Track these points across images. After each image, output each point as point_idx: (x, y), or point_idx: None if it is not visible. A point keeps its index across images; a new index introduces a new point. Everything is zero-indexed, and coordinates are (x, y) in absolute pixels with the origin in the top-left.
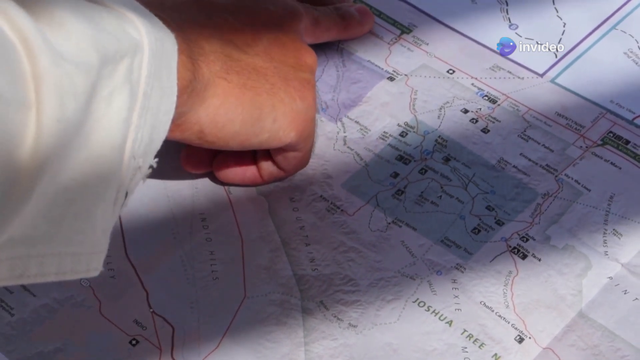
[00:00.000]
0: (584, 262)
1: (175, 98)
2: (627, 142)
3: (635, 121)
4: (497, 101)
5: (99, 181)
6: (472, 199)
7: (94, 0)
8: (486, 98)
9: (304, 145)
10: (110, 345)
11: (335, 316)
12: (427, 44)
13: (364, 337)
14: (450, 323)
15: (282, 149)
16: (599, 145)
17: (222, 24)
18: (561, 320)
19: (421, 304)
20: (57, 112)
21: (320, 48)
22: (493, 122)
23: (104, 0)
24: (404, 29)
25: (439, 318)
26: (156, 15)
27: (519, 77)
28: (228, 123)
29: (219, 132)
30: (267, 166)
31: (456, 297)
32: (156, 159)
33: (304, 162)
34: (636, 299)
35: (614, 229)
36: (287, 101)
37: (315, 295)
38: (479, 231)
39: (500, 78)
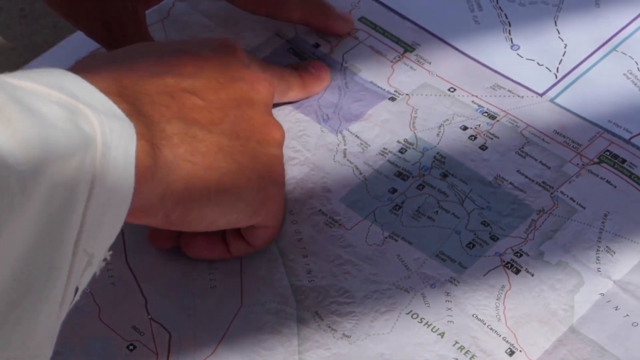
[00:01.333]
0: (576, 279)
1: (131, 190)
2: (624, 160)
3: (632, 141)
4: (496, 117)
5: (43, 283)
6: (468, 215)
7: (49, 87)
8: (486, 114)
9: (273, 222)
10: (108, 349)
11: (329, 326)
12: (430, 63)
13: (357, 347)
14: (442, 335)
15: (251, 226)
16: (595, 163)
17: (187, 103)
18: (552, 335)
19: (414, 316)
20: None
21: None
22: (491, 139)
23: (57, 91)
24: (407, 48)
25: (432, 330)
26: (116, 101)
27: (518, 96)
28: (194, 207)
29: (186, 216)
30: (235, 242)
31: (449, 309)
32: (110, 252)
33: (274, 237)
34: (627, 315)
35: (607, 247)
36: (254, 180)
37: (310, 306)
38: (474, 246)
39: (500, 96)
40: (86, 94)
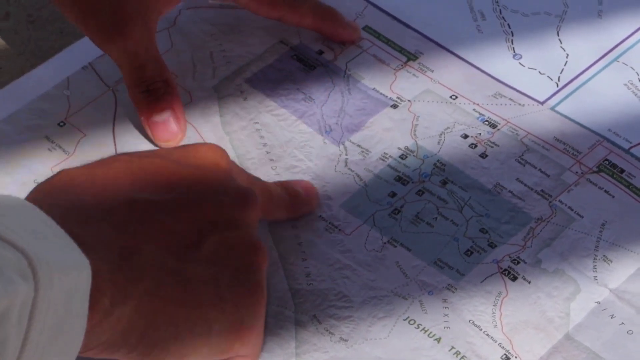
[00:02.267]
0: (573, 286)
1: (82, 331)
2: (622, 170)
3: (632, 150)
4: (497, 126)
5: None
6: (467, 222)
7: None
8: (486, 123)
9: (252, 351)
10: None
11: (327, 330)
12: (432, 71)
13: (354, 351)
14: (438, 340)
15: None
16: (594, 172)
17: (157, 229)
18: (548, 342)
19: (411, 322)
20: None
21: (328, 74)
22: (492, 147)
23: (11, 237)
24: (410, 56)
25: (428, 335)
26: (75, 233)
27: (519, 104)
28: (161, 342)
29: (151, 351)
30: None
31: (446, 315)
32: None
33: None
34: (622, 323)
35: (604, 255)
36: (230, 311)
37: (309, 309)
38: (472, 253)
39: (501, 105)
40: (38, 233)
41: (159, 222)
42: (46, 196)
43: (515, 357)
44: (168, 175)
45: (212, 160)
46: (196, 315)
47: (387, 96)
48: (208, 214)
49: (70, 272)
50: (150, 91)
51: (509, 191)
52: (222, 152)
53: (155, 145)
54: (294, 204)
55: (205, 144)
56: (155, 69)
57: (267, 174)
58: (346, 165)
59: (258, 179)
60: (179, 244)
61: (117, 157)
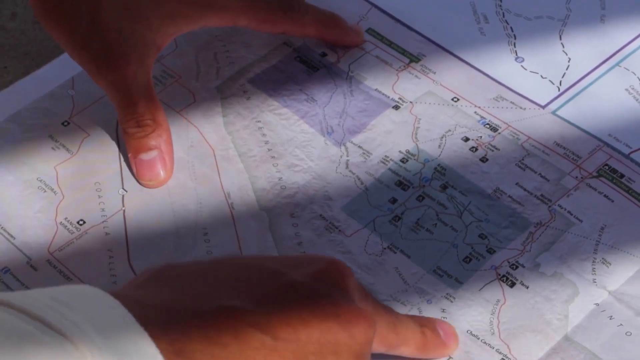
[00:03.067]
0: (571, 289)
1: None
2: (622, 175)
3: (632, 156)
4: (498, 129)
5: None
6: (466, 227)
7: (63, 334)
8: (487, 126)
9: None
10: None
11: None
12: (435, 73)
13: None
14: None
15: None
16: (594, 176)
17: (253, 343)
18: (546, 344)
19: None
20: None
21: (330, 76)
22: (492, 151)
23: (75, 339)
24: (413, 58)
25: None
26: (150, 331)
27: (521, 108)
28: None
29: None
30: None
31: None
32: None
33: None
34: (621, 324)
35: (603, 258)
36: None
37: None
38: (470, 260)
39: (503, 108)
40: (111, 339)
41: (253, 334)
42: (147, 286)
43: None
44: (271, 279)
45: (333, 271)
46: None
47: (389, 97)
48: (309, 334)
49: None
50: (140, 128)
51: (509, 196)
52: (345, 268)
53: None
54: (427, 343)
55: (328, 258)
56: (147, 106)
57: (269, 171)
58: (347, 167)
59: (388, 308)
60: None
61: (221, 260)
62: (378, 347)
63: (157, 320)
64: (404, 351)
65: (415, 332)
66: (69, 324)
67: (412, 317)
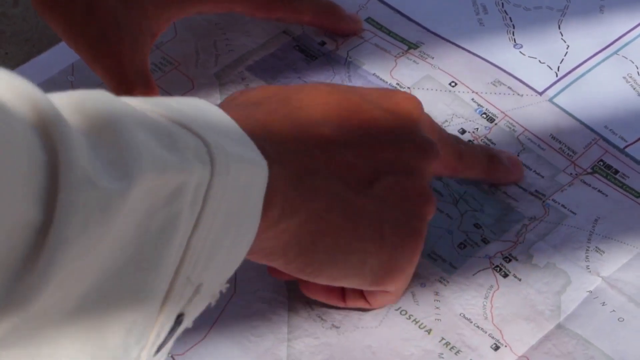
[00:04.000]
0: (563, 279)
1: (253, 233)
2: (616, 171)
3: (627, 150)
4: (494, 120)
5: (131, 302)
6: (461, 216)
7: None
8: (484, 116)
9: (397, 290)
10: None
11: (319, 316)
12: (433, 58)
13: (345, 338)
14: (429, 331)
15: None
16: (588, 173)
17: (338, 159)
18: (539, 331)
19: (403, 313)
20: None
21: (329, 63)
22: (488, 145)
23: (193, 127)
24: (412, 45)
25: (419, 326)
26: (256, 139)
27: (518, 94)
28: (316, 262)
29: (306, 267)
30: (353, 295)
31: (437, 308)
32: (227, 285)
33: (393, 301)
34: (613, 310)
35: (596, 247)
36: (388, 251)
37: (302, 296)
38: (465, 246)
39: (500, 94)
40: (221, 133)
41: (340, 153)
42: (238, 104)
43: (505, 346)
44: (360, 113)
45: (405, 108)
46: (355, 247)
47: (386, 82)
48: (388, 155)
49: (247, 167)
50: None
51: (504, 192)
52: (417, 102)
53: None
54: (492, 167)
55: (403, 93)
56: (144, 92)
57: None
58: None
59: (453, 137)
60: (355, 177)
61: (317, 86)
62: (443, 172)
63: (259, 129)
64: (469, 174)
65: (482, 160)
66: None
67: (481, 146)
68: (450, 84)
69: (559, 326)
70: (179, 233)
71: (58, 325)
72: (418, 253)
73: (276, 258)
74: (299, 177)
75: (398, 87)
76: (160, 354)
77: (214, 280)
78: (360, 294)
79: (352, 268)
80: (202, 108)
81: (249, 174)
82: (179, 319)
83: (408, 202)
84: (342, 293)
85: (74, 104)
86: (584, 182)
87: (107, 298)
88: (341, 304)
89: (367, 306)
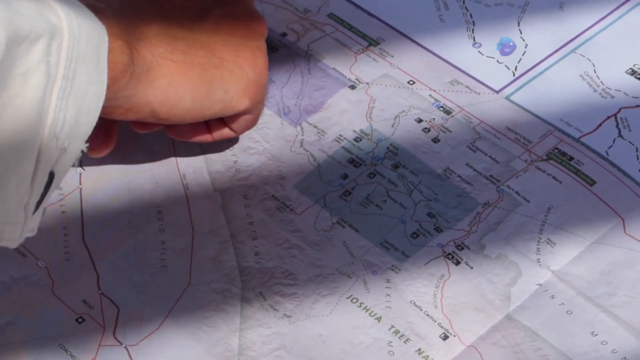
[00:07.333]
0: (514, 271)
1: (104, 84)
2: (571, 158)
3: (582, 139)
4: (451, 112)
5: (11, 154)
6: (415, 205)
7: None
8: (441, 109)
9: (256, 109)
10: (58, 321)
11: (271, 306)
12: (392, 56)
13: (297, 327)
14: (379, 319)
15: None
16: (543, 160)
17: (167, 6)
18: (488, 322)
19: (354, 300)
20: None
21: (289, 55)
22: (444, 132)
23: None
24: (372, 42)
25: (369, 314)
26: (90, 5)
27: (475, 92)
28: (179, 101)
29: (171, 110)
30: (218, 127)
31: (388, 295)
32: (87, 144)
33: (254, 123)
34: (562, 304)
35: (548, 238)
36: (236, 72)
37: (255, 286)
38: (418, 236)
39: (457, 92)
40: None
41: (170, 1)
42: None
43: (454, 336)
44: None
45: None
46: (209, 76)
47: (346, 76)
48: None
49: (92, 31)
50: None
51: (458, 176)
52: None
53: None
54: None
55: None
56: None
57: (224, 154)
58: (302, 145)
59: None
60: (186, 17)
61: None
62: None
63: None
64: None
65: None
66: None
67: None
68: (408, 82)
69: (508, 317)
70: (44, 89)
71: None
72: (265, 68)
73: (142, 108)
74: (138, 28)
75: (357, 82)
76: (39, 210)
77: (76, 138)
78: (223, 124)
79: (211, 97)
80: None
81: (96, 33)
82: (50, 177)
83: (240, 27)
84: (207, 128)
85: None
86: (539, 169)
87: None
88: (208, 139)
89: (231, 135)
